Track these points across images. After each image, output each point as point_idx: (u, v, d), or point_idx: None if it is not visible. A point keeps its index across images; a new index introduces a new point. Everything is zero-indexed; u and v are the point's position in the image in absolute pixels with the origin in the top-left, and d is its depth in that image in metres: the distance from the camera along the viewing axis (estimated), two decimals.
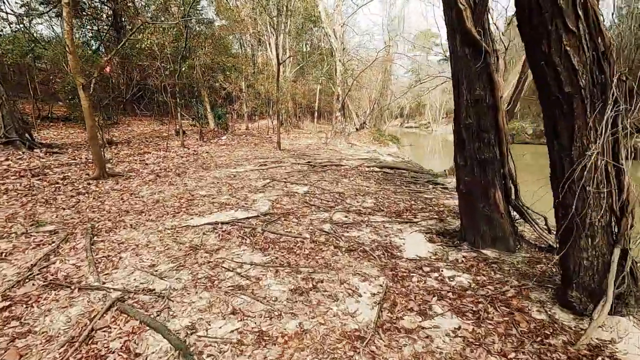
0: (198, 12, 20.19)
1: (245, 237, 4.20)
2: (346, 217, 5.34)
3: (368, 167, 10.45)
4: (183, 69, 11.66)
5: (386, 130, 33.18)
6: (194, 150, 10.90)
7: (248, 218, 4.87)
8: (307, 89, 28.82)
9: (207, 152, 10.98)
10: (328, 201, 6.15)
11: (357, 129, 27.64)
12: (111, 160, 8.22)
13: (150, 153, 9.76)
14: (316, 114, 27.69)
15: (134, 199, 5.64)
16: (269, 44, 20.74)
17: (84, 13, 18.00)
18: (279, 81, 12.70)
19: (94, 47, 18.74)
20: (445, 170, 10.06)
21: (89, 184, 6.37)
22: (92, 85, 6.29)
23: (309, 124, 27.88)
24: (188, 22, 10.90)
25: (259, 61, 26.41)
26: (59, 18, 17.72)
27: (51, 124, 13.57)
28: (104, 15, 18.90)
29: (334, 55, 19.34)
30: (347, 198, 6.51)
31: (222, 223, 4.60)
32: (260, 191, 6.49)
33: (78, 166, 7.39)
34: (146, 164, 8.29)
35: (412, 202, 6.66)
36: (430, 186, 8.66)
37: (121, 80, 20.11)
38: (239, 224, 4.62)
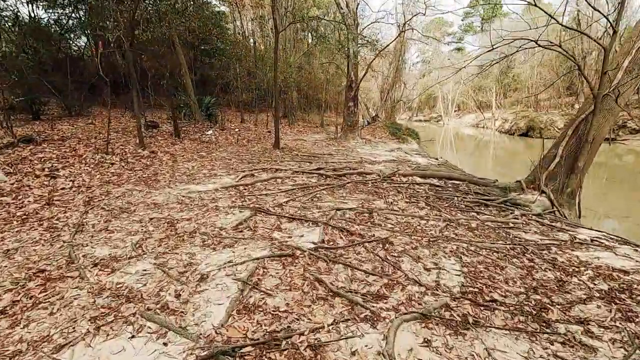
0: None
1: None
2: (427, 344, 2.04)
3: (404, 176, 7.13)
4: (136, 32, 8.31)
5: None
6: (152, 152, 7.60)
7: None
8: (312, 77, 25.68)
9: (170, 154, 7.68)
10: (365, 270, 2.85)
11: (368, 123, 24.41)
12: None
13: (81, 157, 6.51)
14: (323, 105, 24.38)
15: None
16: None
17: None
18: (277, 52, 9.31)
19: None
20: (520, 183, 6.69)
21: None
22: None
23: (314, 117, 24.56)
24: None
25: (261, 48, 23.42)
26: None
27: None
28: None
29: (343, 40, 15.88)
30: (402, 256, 3.21)
31: None
32: (225, 244, 3.19)
33: None
34: (53, 177, 5.06)
35: (527, 262, 3.38)
36: (516, 211, 5.39)
37: (92, 61, 16.89)
38: None
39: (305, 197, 4.90)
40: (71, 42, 15.95)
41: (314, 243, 3.24)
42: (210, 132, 12.63)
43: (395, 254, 3.26)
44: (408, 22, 12.93)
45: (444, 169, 8.84)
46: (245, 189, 5.15)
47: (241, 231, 3.50)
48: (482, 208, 5.59)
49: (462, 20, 56.49)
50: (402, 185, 6.45)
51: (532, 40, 6.44)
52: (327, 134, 17.49)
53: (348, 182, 6.11)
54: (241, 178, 5.79)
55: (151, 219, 3.71)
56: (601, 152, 18.40)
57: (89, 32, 15.23)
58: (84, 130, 9.96)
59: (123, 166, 6.19)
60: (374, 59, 16.31)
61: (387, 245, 3.46)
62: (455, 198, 5.88)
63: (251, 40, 24.49)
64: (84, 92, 14.73)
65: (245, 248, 3.09)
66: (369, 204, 4.95)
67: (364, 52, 20.13)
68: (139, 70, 13.89)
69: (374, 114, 27.66)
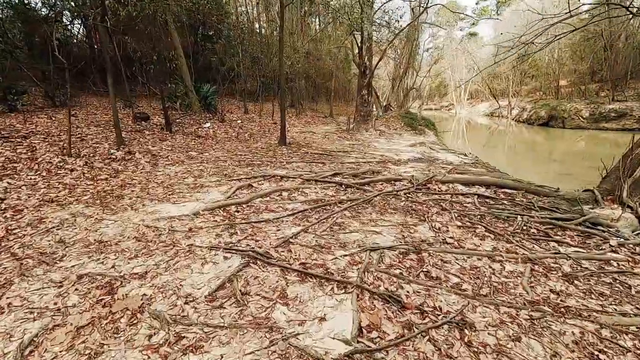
0: None
1: None
2: None
3: (443, 183, 5.65)
4: (107, 3, 6.82)
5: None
6: (128, 152, 6.20)
7: None
8: (321, 64, 24.11)
9: (152, 155, 6.28)
10: None
11: (382, 113, 22.80)
12: None
13: (35, 160, 5.16)
14: (332, 94, 22.78)
15: None
16: None
17: None
18: (282, 29, 7.77)
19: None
20: (593, 193, 5.16)
21: None
22: None
23: (323, 106, 23.00)
24: None
25: (267, 34, 21.91)
26: None
27: None
28: None
29: (354, 18, 14.15)
30: None
31: None
32: (188, 343, 1.79)
33: None
34: None
35: None
36: (612, 240, 3.92)
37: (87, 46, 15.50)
38: None
39: (322, 224, 3.47)
40: (59, 25, 14.57)
41: (345, 342, 1.82)
42: (207, 125, 11.21)
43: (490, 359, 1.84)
44: (424, 3, 11.21)
45: (485, 171, 7.31)
46: (238, 211, 3.74)
47: (221, 306, 2.10)
48: (559, 233, 4.12)
49: (477, 4, 53.71)
50: (443, 197, 4.98)
51: (622, 7, 4.84)
52: (338, 125, 15.97)
53: (375, 195, 4.67)
54: (235, 191, 4.38)
55: (81, 277, 2.32)
56: None
57: (75, 13, 13.79)
58: (61, 123, 8.60)
59: (84, 173, 4.81)
60: (391, 42, 14.61)
61: (466, 331, 2.04)
62: (519, 217, 4.40)
63: (256, 25, 22.92)
64: (69, 79, 13.27)
65: (222, 356, 1.69)
66: (411, 233, 3.52)
67: (377, 36, 18.39)
68: (126, 52, 12.48)
69: (384, 103, 26.04)
